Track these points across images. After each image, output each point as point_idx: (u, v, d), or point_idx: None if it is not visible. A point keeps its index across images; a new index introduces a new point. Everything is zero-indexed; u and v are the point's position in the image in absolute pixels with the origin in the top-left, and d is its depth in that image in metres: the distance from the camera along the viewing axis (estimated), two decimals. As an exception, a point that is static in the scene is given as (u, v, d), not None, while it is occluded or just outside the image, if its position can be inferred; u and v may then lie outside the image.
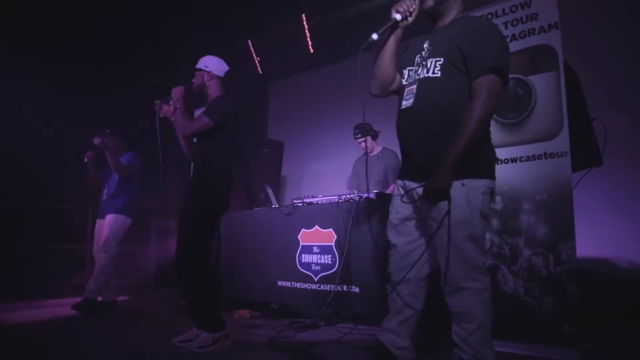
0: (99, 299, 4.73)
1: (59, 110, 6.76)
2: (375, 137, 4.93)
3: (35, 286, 6.12)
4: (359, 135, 4.87)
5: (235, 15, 6.73)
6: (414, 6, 2.18)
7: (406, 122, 2.23)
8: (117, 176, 4.92)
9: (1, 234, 6.17)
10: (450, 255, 2.07)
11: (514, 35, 3.35)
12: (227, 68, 3.46)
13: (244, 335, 3.55)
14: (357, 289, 3.64)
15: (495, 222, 3.25)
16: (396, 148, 4.86)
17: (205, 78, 3.35)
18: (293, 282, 4.09)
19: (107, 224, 4.82)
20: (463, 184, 2.07)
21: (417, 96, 2.19)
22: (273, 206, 4.63)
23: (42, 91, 6.60)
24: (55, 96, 6.73)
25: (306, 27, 6.81)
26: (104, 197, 5.02)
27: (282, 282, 4.18)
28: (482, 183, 2.11)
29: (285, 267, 4.17)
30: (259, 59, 7.45)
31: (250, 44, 7.42)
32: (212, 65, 3.37)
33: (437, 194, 2.03)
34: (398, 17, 2.17)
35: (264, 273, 4.35)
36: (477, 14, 3.53)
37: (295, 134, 6.81)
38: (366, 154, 4.85)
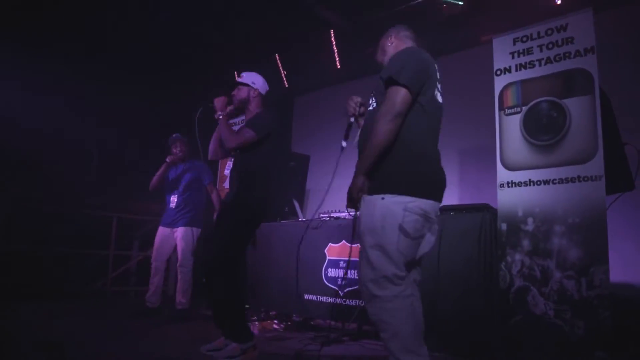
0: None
1: (82, 111, 6.92)
2: None
3: (58, 288, 6.24)
4: None
5: (263, 29, 6.85)
6: (356, 104, 2.61)
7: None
8: (182, 187, 5.01)
9: (23, 237, 6.30)
10: (361, 262, 2.18)
11: (548, 58, 3.38)
12: (268, 88, 3.57)
13: (270, 347, 3.58)
14: (383, 305, 3.65)
15: (526, 243, 3.25)
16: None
17: (251, 94, 3.46)
18: (319, 296, 4.12)
19: (181, 238, 4.89)
20: (383, 198, 2.15)
21: (362, 129, 2.44)
22: (300, 219, 4.67)
23: (65, 93, 6.73)
24: (78, 99, 6.87)
25: (334, 42, 6.90)
26: (172, 205, 5.01)
27: (308, 295, 4.21)
28: (404, 199, 2.15)
29: (311, 280, 4.20)
30: (285, 72, 7.55)
31: (278, 58, 7.53)
32: (259, 82, 3.49)
33: (347, 199, 2.25)
34: (352, 119, 2.61)
35: (289, 285, 4.38)
36: (512, 36, 3.58)
37: (318, 148, 6.85)
38: None
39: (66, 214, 7.01)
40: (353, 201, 2.22)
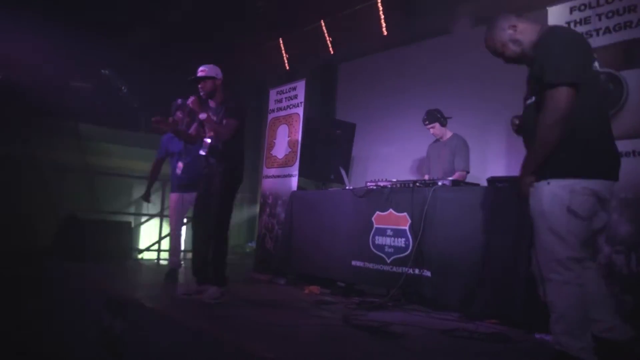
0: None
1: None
2: (444, 123, 4.94)
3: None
4: (427, 122, 4.93)
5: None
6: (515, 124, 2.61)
7: None
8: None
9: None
10: (535, 246, 2.27)
11: (607, 28, 3.29)
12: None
13: (318, 311, 3.71)
14: (428, 273, 3.73)
15: (575, 216, 3.24)
16: (465, 135, 4.89)
17: (217, 84, 3.97)
18: (365, 263, 4.23)
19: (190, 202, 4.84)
20: (548, 183, 2.20)
21: (523, 121, 2.50)
22: (346, 187, 4.75)
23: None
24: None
25: (380, 8, 6.81)
26: (179, 172, 4.94)
27: (356, 261, 4.32)
28: (570, 182, 2.16)
29: (358, 247, 4.31)
30: (331, 39, 7.52)
31: (323, 25, 7.49)
32: (219, 73, 3.99)
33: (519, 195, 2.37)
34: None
35: (335, 252, 4.50)
36: (569, 4, 3.49)
37: (364, 116, 6.86)
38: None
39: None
40: (523, 196, 2.29)
